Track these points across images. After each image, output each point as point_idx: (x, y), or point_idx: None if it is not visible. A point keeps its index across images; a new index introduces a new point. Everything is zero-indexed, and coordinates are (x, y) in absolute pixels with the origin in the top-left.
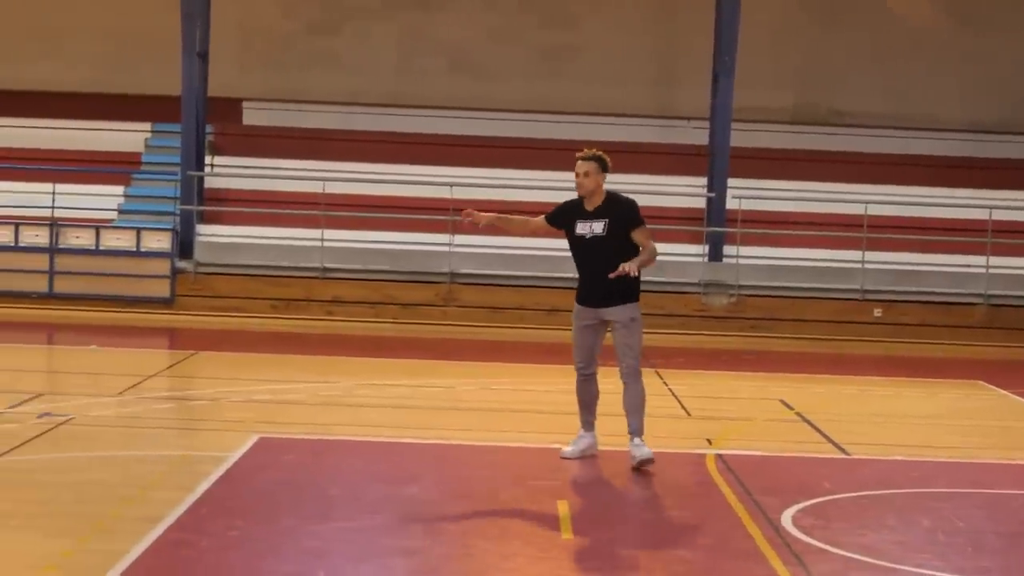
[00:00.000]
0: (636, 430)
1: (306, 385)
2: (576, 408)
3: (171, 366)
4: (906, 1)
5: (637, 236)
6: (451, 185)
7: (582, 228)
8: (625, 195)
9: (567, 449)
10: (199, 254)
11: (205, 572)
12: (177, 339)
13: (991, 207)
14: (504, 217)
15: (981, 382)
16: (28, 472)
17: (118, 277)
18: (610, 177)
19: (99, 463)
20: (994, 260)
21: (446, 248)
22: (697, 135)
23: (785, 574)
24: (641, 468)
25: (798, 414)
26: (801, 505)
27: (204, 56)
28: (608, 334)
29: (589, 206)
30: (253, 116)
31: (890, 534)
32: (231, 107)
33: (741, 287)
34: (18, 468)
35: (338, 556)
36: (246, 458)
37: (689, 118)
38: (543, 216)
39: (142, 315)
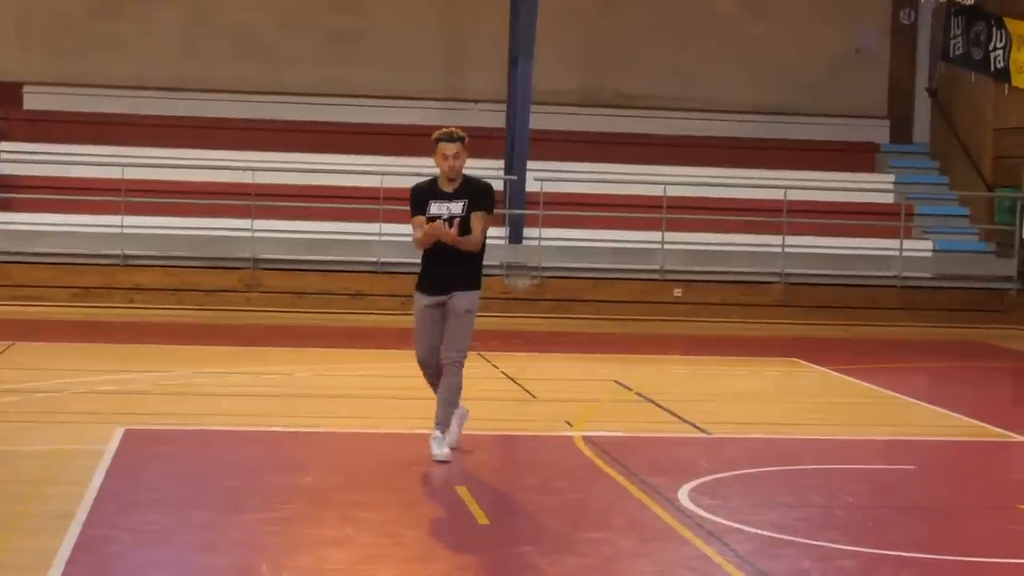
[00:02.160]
0: (445, 422)
1: (143, 375)
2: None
3: None
4: None
5: (477, 219)
6: (252, 170)
7: (438, 209)
8: (480, 178)
9: (434, 451)
10: None
11: (142, 568)
12: None
13: (786, 187)
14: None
15: (797, 359)
16: None
17: None
18: (401, 161)
19: None
20: (790, 239)
21: (248, 233)
22: (485, 117)
23: (710, 552)
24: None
25: (638, 394)
26: (690, 485)
27: None
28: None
29: (448, 187)
30: (35, 100)
31: (790, 511)
32: (11, 92)
33: (543, 269)
34: None
35: (271, 548)
36: (124, 451)
37: (477, 100)
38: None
39: None
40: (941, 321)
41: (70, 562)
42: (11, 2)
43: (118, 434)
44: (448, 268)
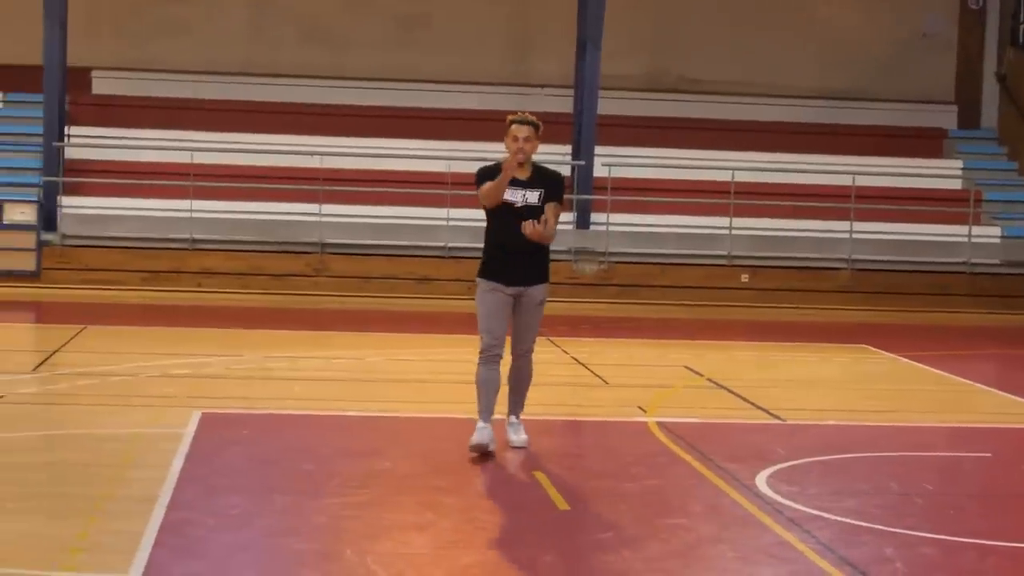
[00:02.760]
0: (518, 409)
1: (216, 359)
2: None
3: (68, 341)
4: None
5: (551, 210)
6: (319, 155)
7: (512, 195)
8: (550, 167)
9: (473, 439)
10: (64, 226)
11: (226, 551)
12: (53, 313)
13: (854, 173)
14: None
15: (867, 346)
16: None
17: None
18: (468, 145)
19: (61, 442)
20: (857, 225)
21: (315, 218)
22: (550, 102)
23: (791, 539)
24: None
25: (710, 380)
26: (768, 471)
27: (64, 25)
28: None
29: (520, 174)
30: (103, 85)
31: (869, 498)
32: (80, 76)
33: (610, 254)
34: None
35: (353, 533)
36: (202, 434)
37: (543, 85)
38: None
39: (9, 289)
40: (1009, 308)
41: (156, 545)
42: None
43: (195, 418)
44: (522, 258)
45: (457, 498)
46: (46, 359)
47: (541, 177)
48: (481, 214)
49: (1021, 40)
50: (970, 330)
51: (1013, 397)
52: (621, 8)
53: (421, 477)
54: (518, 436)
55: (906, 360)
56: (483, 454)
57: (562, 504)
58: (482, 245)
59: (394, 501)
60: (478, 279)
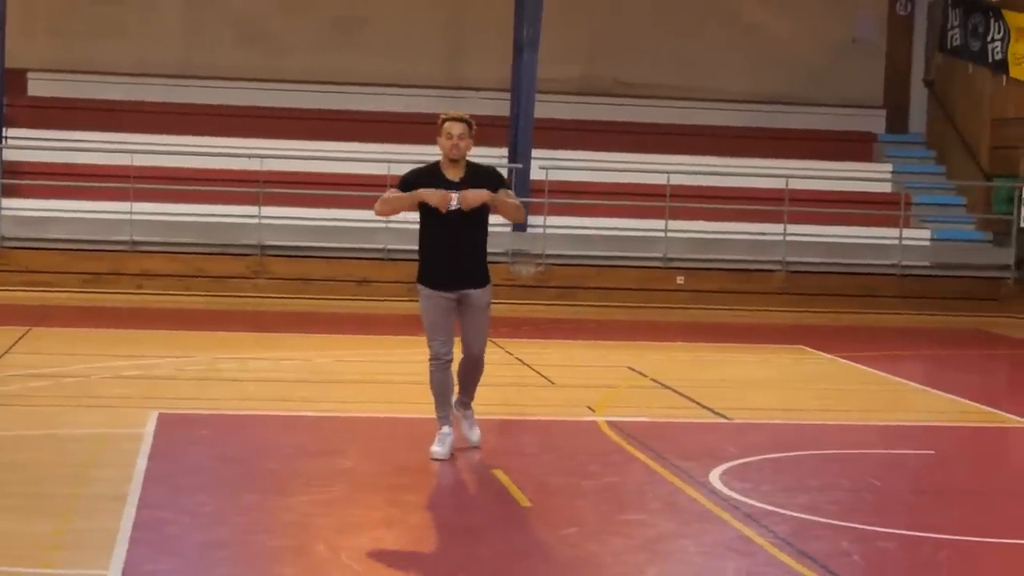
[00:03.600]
0: (470, 400)
1: (165, 360)
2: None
3: (15, 343)
4: None
5: (506, 196)
6: (259, 157)
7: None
8: (482, 162)
9: (436, 449)
10: (3, 228)
11: (202, 548)
12: None
13: (787, 176)
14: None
15: (804, 347)
16: None
17: None
18: (406, 148)
19: (24, 442)
20: (791, 228)
21: (255, 220)
22: (486, 105)
23: (750, 534)
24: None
25: (653, 380)
26: (720, 468)
27: (2, 27)
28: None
29: (452, 175)
30: (39, 87)
31: (820, 494)
32: (15, 78)
33: (548, 256)
34: None
35: (324, 529)
36: (161, 434)
37: (478, 88)
38: (392, 190)
39: None
40: (939, 309)
41: (132, 542)
42: None
43: (152, 418)
44: (460, 261)
45: (420, 495)
46: None
47: (473, 175)
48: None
49: (948, 46)
50: (901, 331)
51: (949, 396)
52: (556, 12)
53: (383, 475)
54: (471, 432)
55: (843, 360)
56: (439, 460)
57: (524, 501)
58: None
59: (359, 499)
60: (418, 285)
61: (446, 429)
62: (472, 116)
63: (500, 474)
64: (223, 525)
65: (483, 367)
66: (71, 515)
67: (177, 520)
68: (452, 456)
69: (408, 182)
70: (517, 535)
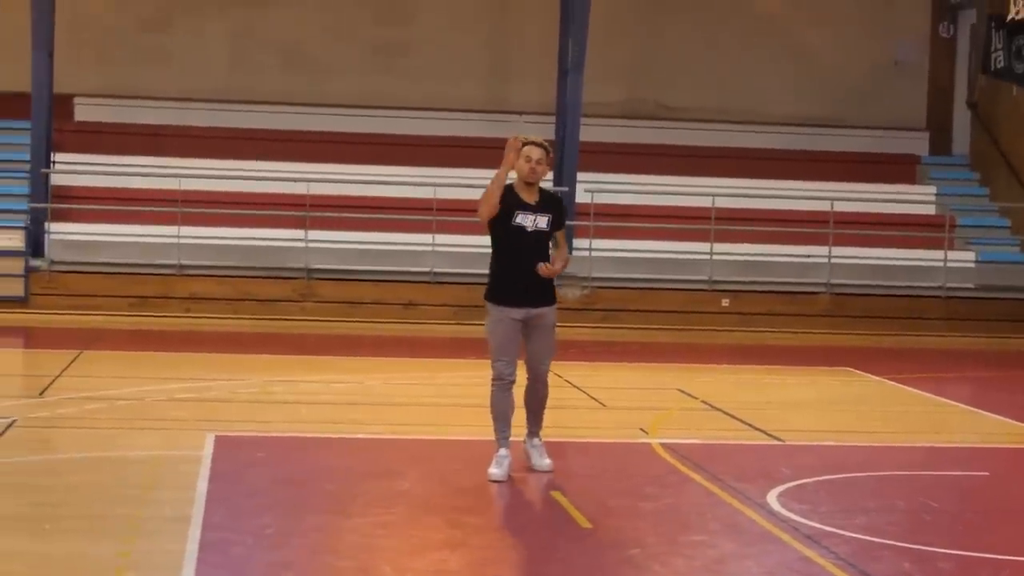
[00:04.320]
0: (538, 430)
1: (218, 383)
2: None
3: (68, 366)
4: None
5: (560, 236)
6: (305, 181)
7: (523, 219)
8: (552, 191)
9: (494, 471)
10: (52, 252)
11: (268, 569)
12: (46, 339)
13: (832, 199)
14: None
15: (850, 369)
16: (22, 475)
17: None
18: (450, 171)
19: (83, 465)
20: (836, 250)
21: (302, 244)
22: (529, 129)
23: (812, 555)
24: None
25: (704, 402)
26: (777, 490)
27: (51, 54)
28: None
29: (528, 197)
30: (86, 112)
31: (879, 516)
32: (61, 103)
33: (593, 279)
34: (6, 471)
35: (388, 551)
36: (220, 456)
37: (522, 112)
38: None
39: None
40: (984, 331)
41: (200, 562)
42: (63, 15)
43: (209, 440)
44: (531, 281)
45: (481, 518)
46: (50, 384)
47: (547, 201)
48: (467, 240)
49: (992, 68)
50: (946, 353)
51: (998, 417)
52: (599, 35)
53: (442, 497)
54: (540, 461)
55: (890, 382)
56: (496, 482)
57: (584, 523)
58: (468, 270)
59: (421, 520)
60: (487, 304)
61: (503, 451)
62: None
63: (559, 496)
64: (287, 547)
65: (548, 391)
66: (135, 537)
67: (242, 541)
68: (509, 478)
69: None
70: (580, 557)
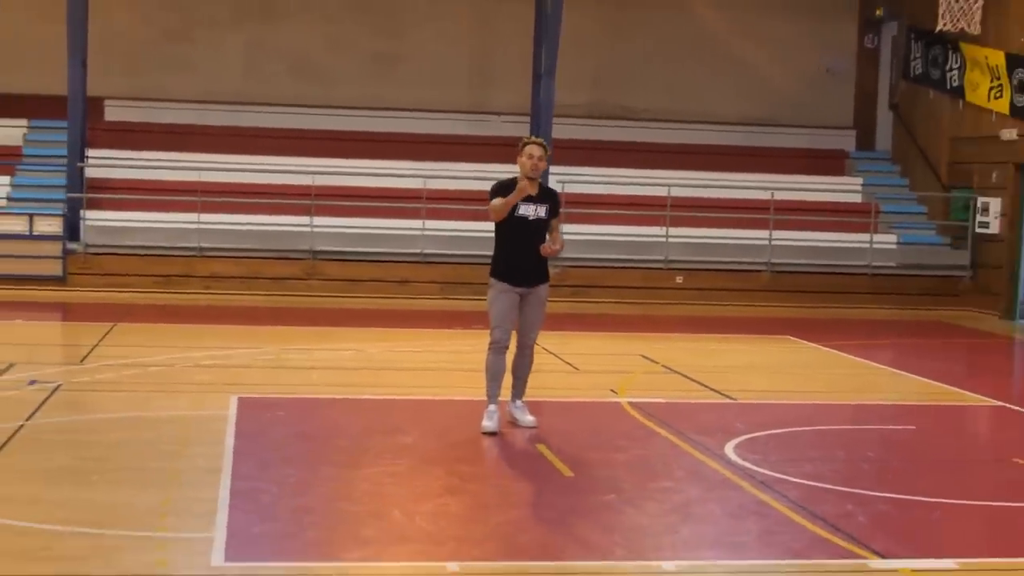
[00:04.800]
0: (522, 394)
1: (239, 351)
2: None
3: (104, 336)
4: (686, 14)
5: (556, 224)
6: (311, 174)
7: (526, 209)
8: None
9: (487, 424)
10: (87, 237)
11: (293, 513)
12: (83, 313)
13: (772, 189)
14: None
15: (790, 337)
16: (69, 433)
17: (13, 259)
18: (438, 165)
19: (123, 424)
20: (775, 234)
21: (308, 229)
22: (508, 128)
23: (767, 499)
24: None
25: (665, 366)
26: (733, 442)
27: (85, 61)
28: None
29: (531, 190)
30: (115, 113)
31: (823, 465)
32: (94, 105)
33: (565, 259)
34: (55, 429)
35: (397, 497)
36: (243, 415)
37: (500, 113)
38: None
39: (39, 292)
40: (904, 304)
41: (232, 508)
42: (95, 28)
43: (233, 401)
44: (530, 263)
45: (476, 467)
46: (90, 352)
47: (545, 194)
48: (452, 225)
49: (911, 75)
50: (873, 323)
51: (919, 378)
52: (568, 47)
53: (441, 450)
54: (524, 417)
55: (826, 349)
56: (489, 434)
57: (566, 471)
58: (454, 251)
59: (424, 470)
60: (492, 279)
61: (493, 407)
62: (495, 138)
63: (543, 448)
64: (308, 494)
65: (533, 359)
66: (175, 486)
67: (268, 490)
68: (500, 431)
69: (497, 191)
70: (565, 501)
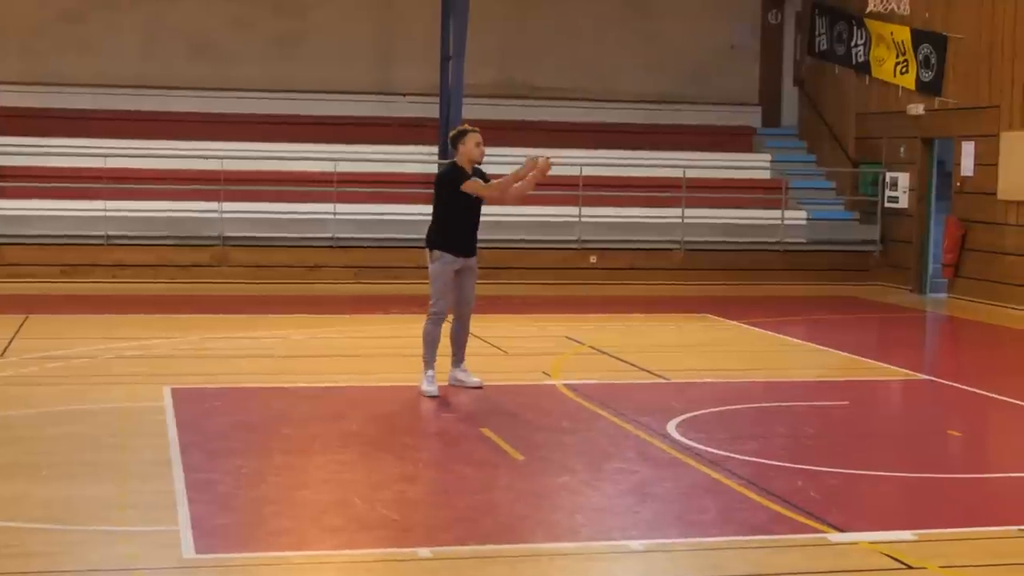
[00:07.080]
0: (463, 359)
1: (161, 341)
2: (421, 350)
3: (19, 329)
4: None
5: (491, 179)
6: (219, 158)
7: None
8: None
9: (428, 388)
10: None
11: (254, 504)
12: None
13: (683, 167)
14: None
15: (708, 315)
16: (6, 429)
17: None
18: (346, 147)
19: (59, 418)
20: (688, 212)
21: (216, 214)
22: (413, 108)
23: (719, 476)
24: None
25: (592, 347)
26: (674, 421)
27: None
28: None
29: (470, 170)
30: (9, 98)
31: (766, 442)
32: None
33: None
34: None
35: (356, 484)
36: (181, 406)
37: (405, 93)
38: (481, 184)
39: None
40: (816, 280)
41: (191, 501)
42: None
43: (167, 392)
44: (472, 235)
45: (427, 453)
46: (8, 346)
47: (477, 172)
48: (363, 208)
49: (816, 51)
50: (786, 299)
51: (842, 353)
52: (473, 24)
53: (389, 436)
54: (470, 379)
55: (746, 326)
56: (432, 397)
57: (516, 455)
58: (366, 235)
59: (375, 457)
60: (439, 252)
61: (431, 372)
62: (401, 119)
63: (489, 432)
64: (264, 484)
65: (470, 327)
66: (128, 479)
67: (223, 481)
68: (440, 415)
69: (463, 174)
70: (522, 484)
